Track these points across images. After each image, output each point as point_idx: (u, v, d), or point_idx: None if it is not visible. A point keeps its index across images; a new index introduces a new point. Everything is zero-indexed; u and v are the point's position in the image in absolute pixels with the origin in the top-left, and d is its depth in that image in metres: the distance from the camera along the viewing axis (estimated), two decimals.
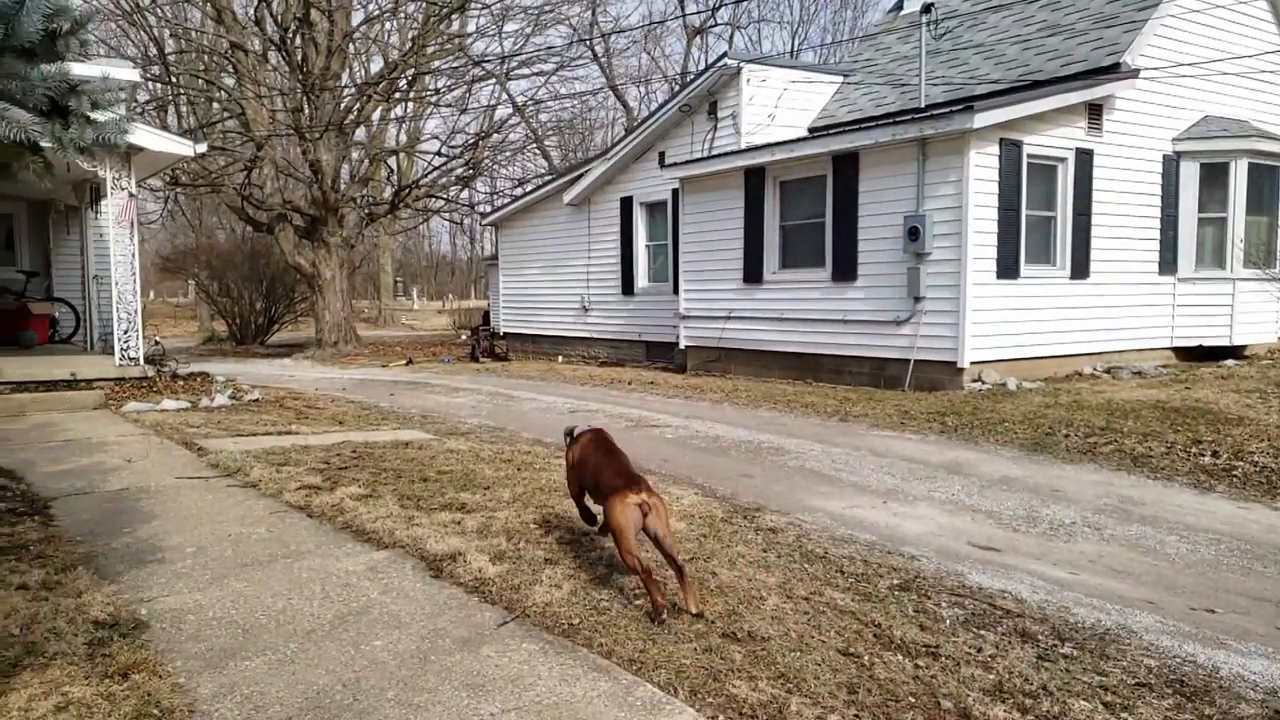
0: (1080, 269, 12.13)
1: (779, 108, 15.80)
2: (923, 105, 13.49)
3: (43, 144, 2.38)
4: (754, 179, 13.84)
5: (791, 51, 39.57)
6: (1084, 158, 11.99)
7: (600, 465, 4.24)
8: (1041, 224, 11.87)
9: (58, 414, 9.40)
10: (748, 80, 15.54)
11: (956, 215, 11.00)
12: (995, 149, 11.07)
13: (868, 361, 12.27)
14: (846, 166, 12.38)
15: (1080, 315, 12.14)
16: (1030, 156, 11.43)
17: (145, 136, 10.68)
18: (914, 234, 11.27)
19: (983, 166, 10.98)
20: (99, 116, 2.60)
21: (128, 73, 11.28)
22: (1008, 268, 11.34)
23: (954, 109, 11.00)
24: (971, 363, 11.11)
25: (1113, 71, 12.00)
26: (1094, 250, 12.24)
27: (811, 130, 15.73)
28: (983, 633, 3.78)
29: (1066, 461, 7.62)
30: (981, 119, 10.56)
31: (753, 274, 13.97)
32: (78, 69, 2.61)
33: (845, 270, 12.49)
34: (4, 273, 15.17)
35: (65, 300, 15.32)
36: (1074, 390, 10.69)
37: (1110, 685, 3.32)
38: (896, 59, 16.40)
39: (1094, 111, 12.00)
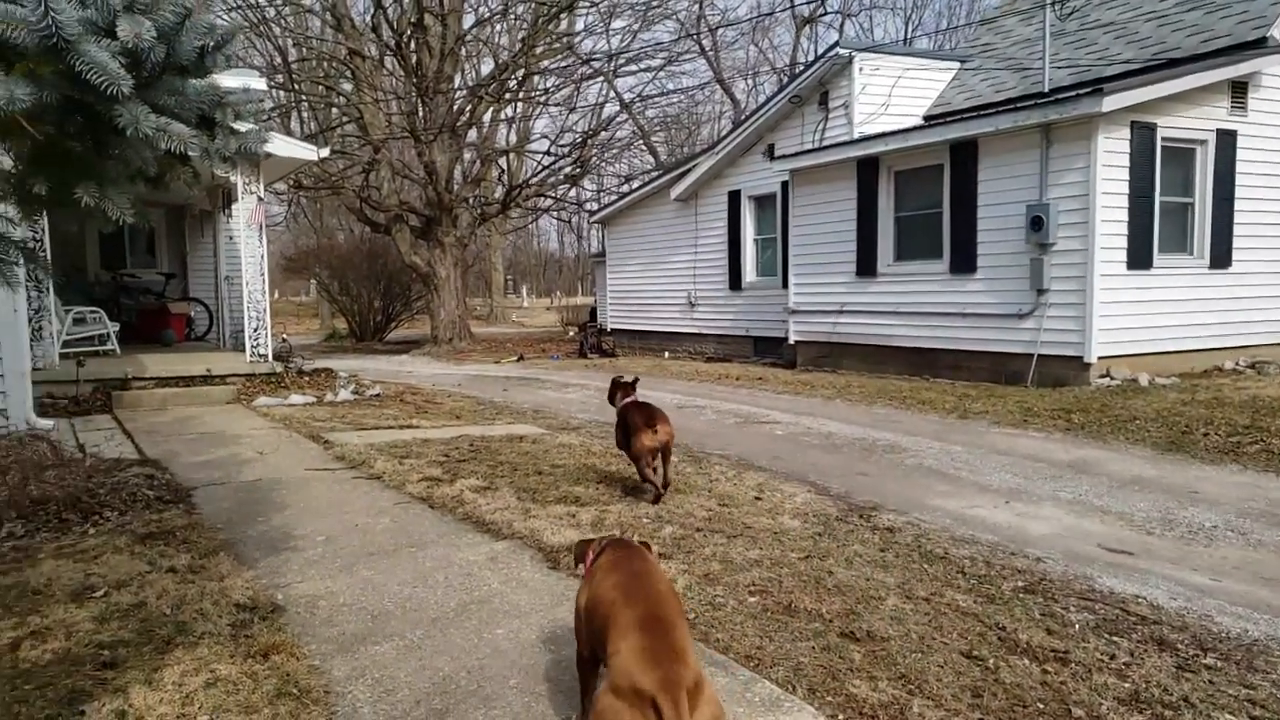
0: (1221, 258, 11.44)
1: (893, 96, 15.43)
2: (1046, 89, 12.96)
3: (191, 155, 2.51)
4: (867, 170, 13.56)
5: (905, 39, 38.61)
6: (1226, 139, 11.28)
7: (636, 411, 5.61)
8: (1177, 211, 11.25)
9: (195, 408, 9.98)
10: (860, 69, 15.22)
11: (1083, 204, 10.52)
12: (1126, 133, 10.53)
13: (988, 356, 11.86)
14: (964, 155, 12.00)
15: (1220, 307, 11.45)
16: (1165, 140, 10.84)
17: (275, 143, 11.21)
18: (1037, 223, 10.83)
19: (1112, 152, 10.47)
20: (240, 127, 2.74)
21: (256, 82, 11.84)
22: (1139, 258, 10.79)
23: (1081, 92, 10.52)
24: (1099, 358, 10.61)
25: (1259, 46, 11.28)
26: (1237, 238, 11.53)
27: (927, 118, 15.30)
28: (1116, 639, 3.61)
29: (1206, 462, 7.20)
30: (1111, 102, 10.07)
31: (866, 267, 13.69)
32: (221, 82, 2.76)
33: (964, 262, 12.11)
34: (146, 274, 16.20)
35: (200, 300, 16.22)
36: (1214, 386, 10.09)
37: (1259, 699, 3.12)
38: (1017, 42, 15.80)
39: (1237, 90, 11.28)
